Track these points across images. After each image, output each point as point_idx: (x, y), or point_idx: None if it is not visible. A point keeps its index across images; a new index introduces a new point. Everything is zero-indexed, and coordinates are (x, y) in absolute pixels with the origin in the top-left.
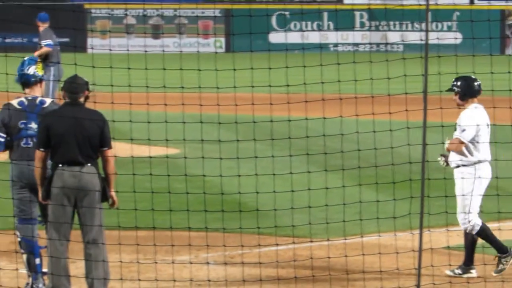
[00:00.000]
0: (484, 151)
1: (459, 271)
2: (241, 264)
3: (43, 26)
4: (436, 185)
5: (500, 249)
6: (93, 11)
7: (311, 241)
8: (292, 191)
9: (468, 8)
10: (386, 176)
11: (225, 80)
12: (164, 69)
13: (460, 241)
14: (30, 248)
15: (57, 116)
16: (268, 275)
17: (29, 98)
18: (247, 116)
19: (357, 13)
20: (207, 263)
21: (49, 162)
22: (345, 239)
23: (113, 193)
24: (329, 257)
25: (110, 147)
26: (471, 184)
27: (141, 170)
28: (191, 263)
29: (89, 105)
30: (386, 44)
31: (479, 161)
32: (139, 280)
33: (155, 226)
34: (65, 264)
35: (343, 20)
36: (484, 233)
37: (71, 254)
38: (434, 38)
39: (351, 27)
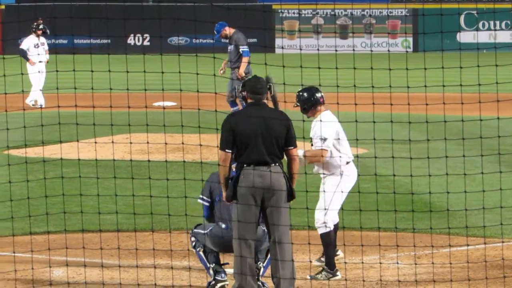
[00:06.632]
0: (347, 151)
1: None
2: (430, 264)
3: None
4: None
5: (330, 264)
6: (281, 11)
7: (502, 242)
8: (483, 191)
9: None
10: None
11: (415, 80)
12: (355, 68)
13: None
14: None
15: (242, 117)
16: (457, 275)
17: None
18: (437, 116)
19: None
20: (397, 263)
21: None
22: None
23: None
24: None
25: (295, 146)
26: (336, 181)
27: None
28: (380, 263)
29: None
30: None
31: (347, 162)
32: (328, 280)
33: (344, 226)
34: (251, 264)
35: None
36: (328, 237)
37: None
38: None
39: None
